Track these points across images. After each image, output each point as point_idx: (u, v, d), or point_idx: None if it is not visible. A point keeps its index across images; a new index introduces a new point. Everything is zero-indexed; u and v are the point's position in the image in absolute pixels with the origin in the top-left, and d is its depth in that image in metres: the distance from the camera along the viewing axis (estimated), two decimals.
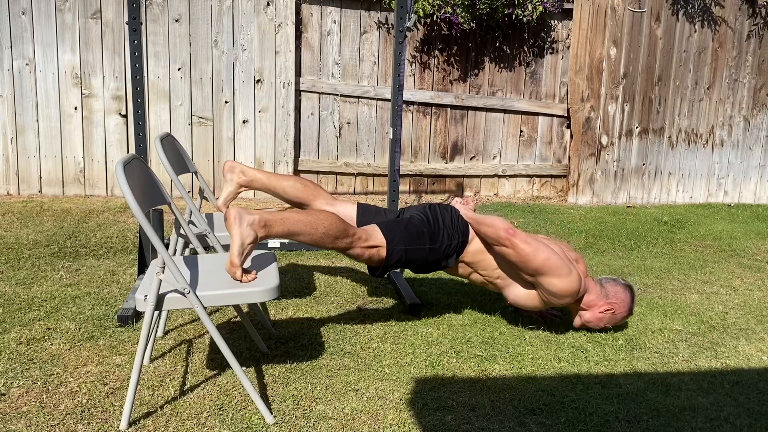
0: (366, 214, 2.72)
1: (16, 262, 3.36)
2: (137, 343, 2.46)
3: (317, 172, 5.32)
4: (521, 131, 5.63)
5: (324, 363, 2.39)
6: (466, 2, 4.97)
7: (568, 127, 5.68)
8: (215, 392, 2.16)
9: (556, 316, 2.89)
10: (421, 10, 4.96)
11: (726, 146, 5.94)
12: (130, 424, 1.94)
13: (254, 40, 4.99)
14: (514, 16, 5.15)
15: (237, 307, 2.36)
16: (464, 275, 2.73)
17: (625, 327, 2.86)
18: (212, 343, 2.51)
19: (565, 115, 5.64)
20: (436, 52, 5.35)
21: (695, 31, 5.64)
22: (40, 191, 4.91)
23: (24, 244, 3.67)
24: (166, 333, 2.60)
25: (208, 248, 2.55)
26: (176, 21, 4.87)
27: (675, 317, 3.02)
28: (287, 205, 3.61)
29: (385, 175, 5.37)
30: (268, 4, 4.97)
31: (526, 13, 5.12)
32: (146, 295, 1.92)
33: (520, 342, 2.66)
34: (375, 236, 2.47)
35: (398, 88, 3.22)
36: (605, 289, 2.70)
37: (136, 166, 2.03)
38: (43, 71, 4.77)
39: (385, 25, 5.22)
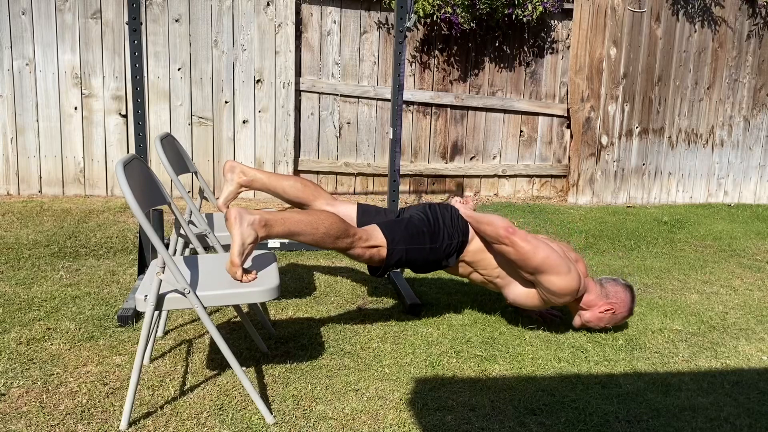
0: (366, 214, 2.72)
1: (16, 262, 3.36)
2: (137, 343, 2.46)
3: (317, 172, 5.32)
4: (521, 131, 5.63)
5: (324, 363, 2.39)
6: (466, 2, 4.97)
7: (568, 127, 5.68)
8: (215, 392, 2.16)
9: (556, 316, 2.89)
10: (421, 10, 4.96)
11: (726, 146, 5.94)
12: (130, 424, 1.94)
13: (254, 40, 4.99)
14: (514, 16, 5.15)
15: (237, 307, 2.36)
16: (464, 275, 2.73)
17: (625, 327, 2.86)
18: (212, 343, 2.51)
19: (565, 115, 5.65)
20: (436, 52, 5.35)
21: (695, 31, 5.64)
22: (40, 191, 4.91)
23: (24, 244, 3.67)
24: (166, 333, 2.60)
25: (208, 248, 2.55)
26: (176, 21, 4.87)
27: (675, 317, 3.02)
28: (287, 205, 3.61)
29: (385, 175, 5.37)
30: (268, 4, 4.97)
31: (526, 13, 5.12)
32: (146, 295, 1.92)
33: (520, 342, 2.66)
34: (375, 236, 2.48)
35: (398, 88, 3.22)
36: (605, 289, 2.70)
37: (136, 166, 2.03)
38: (43, 71, 4.77)
39: (385, 25, 5.22)
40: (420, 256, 2.57)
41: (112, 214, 4.44)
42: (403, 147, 5.42)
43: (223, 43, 4.95)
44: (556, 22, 5.49)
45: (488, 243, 2.61)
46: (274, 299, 2.35)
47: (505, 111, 5.55)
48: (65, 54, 4.78)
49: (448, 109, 5.46)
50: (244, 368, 2.32)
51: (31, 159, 4.85)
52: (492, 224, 2.54)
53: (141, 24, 3.41)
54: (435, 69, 5.38)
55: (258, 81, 5.04)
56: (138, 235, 3.36)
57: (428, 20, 5.21)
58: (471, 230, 2.64)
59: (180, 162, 2.71)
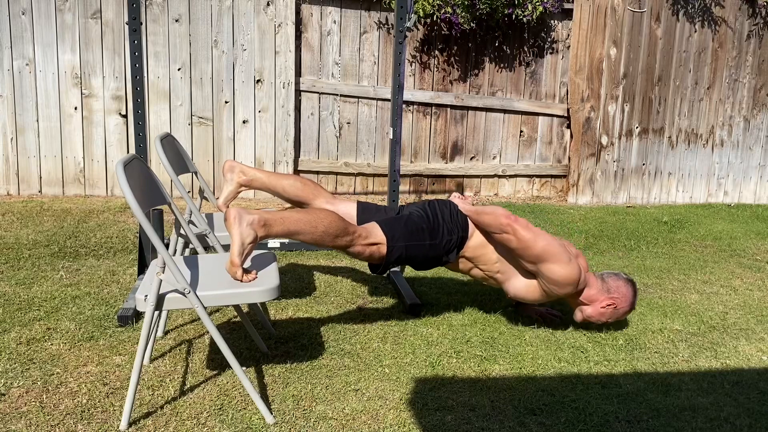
0: (366, 212, 2.72)
1: (16, 262, 3.36)
2: (137, 343, 2.46)
3: (317, 172, 5.32)
4: (521, 131, 5.63)
5: (324, 363, 2.39)
6: (466, 2, 4.97)
7: (568, 127, 5.68)
8: (215, 392, 2.16)
9: (556, 316, 2.89)
10: (421, 10, 4.96)
11: (726, 146, 5.94)
12: (130, 424, 1.94)
13: (254, 40, 4.99)
14: (514, 16, 5.15)
15: (237, 307, 2.36)
16: (465, 271, 2.74)
17: (625, 327, 2.86)
18: (212, 343, 2.51)
19: (565, 115, 5.64)
20: (436, 52, 5.35)
21: (695, 31, 5.64)
22: (40, 191, 4.91)
23: (24, 244, 3.67)
24: (166, 333, 2.60)
25: (208, 248, 2.55)
26: (176, 21, 4.87)
27: (675, 317, 3.02)
28: (287, 205, 3.61)
29: (385, 175, 5.37)
30: (268, 4, 4.97)
31: (526, 13, 5.12)
32: (146, 295, 1.92)
33: (520, 342, 2.66)
34: (375, 234, 2.48)
35: (398, 88, 3.22)
36: (607, 283, 2.70)
37: (136, 166, 2.03)
38: (43, 71, 4.77)
39: (385, 25, 5.22)
40: (420, 253, 2.57)
41: (112, 214, 4.44)
42: (403, 147, 5.42)
43: (223, 43, 4.95)
44: (556, 22, 5.49)
45: (489, 234, 2.62)
46: (274, 299, 2.34)
47: (505, 111, 5.55)
48: (65, 54, 4.78)
49: (448, 109, 5.46)
50: (244, 368, 2.32)
51: (31, 159, 4.85)
52: (493, 214, 2.56)
53: (141, 24, 3.41)
54: (435, 69, 5.38)
55: (258, 81, 5.04)
56: (138, 235, 3.36)
57: (428, 20, 5.21)
58: (471, 226, 2.65)
59: (180, 162, 2.71)
